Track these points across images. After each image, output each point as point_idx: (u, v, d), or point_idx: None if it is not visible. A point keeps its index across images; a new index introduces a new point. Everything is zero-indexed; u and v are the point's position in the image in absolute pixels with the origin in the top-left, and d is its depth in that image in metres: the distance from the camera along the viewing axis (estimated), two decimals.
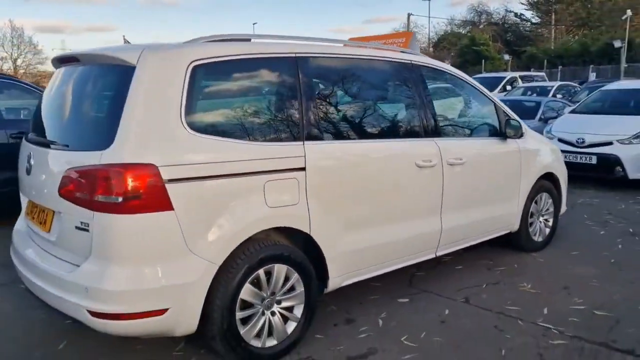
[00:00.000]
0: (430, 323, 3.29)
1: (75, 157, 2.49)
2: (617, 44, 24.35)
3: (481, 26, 50.82)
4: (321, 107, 3.05)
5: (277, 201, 2.73)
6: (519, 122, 4.16)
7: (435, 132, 3.60)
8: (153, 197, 2.34)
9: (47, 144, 2.76)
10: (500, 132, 4.15)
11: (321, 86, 3.14)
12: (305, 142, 2.87)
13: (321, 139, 2.96)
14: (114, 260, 2.35)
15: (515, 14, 49.47)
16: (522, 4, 49.05)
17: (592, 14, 40.72)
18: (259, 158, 2.67)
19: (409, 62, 3.59)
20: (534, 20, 48.73)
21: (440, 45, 50.94)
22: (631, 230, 5.32)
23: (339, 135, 3.12)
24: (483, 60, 37.27)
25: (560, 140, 7.73)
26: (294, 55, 2.96)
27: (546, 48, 40.69)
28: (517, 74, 20.96)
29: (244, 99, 2.85)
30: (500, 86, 18.86)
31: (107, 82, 2.67)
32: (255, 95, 2.90)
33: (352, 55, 3.34)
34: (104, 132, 2.42)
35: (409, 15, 43.17)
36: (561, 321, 3.28)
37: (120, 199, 2.30)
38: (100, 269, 2.36)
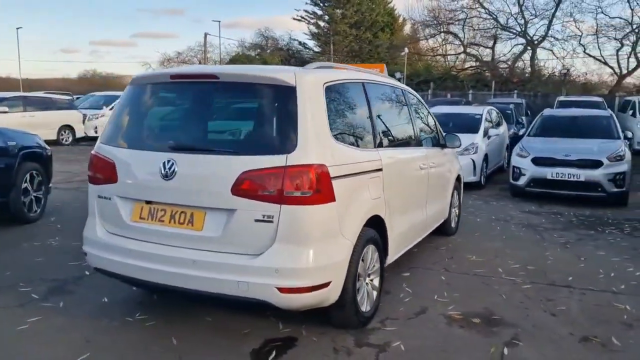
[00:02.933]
0: (441, 285, 4.36)
1: (252, 160, 2.88)
2: (397, 75, 29.26)
3: (269, 51, 54.23)
4: (380, 120, 3.90)
5: (374, 194, 3.50)
6: (457, 136, 5.55)
7: (421, 143, 4.73)
8: (327, 191, 2.93)
9: (205, 151, 3.03)
10: (439, 143, 5.47)
11: (379, 105, 3.98)
12: (378, 149, 3.69)
13: (384, 146, 3.81)
14: (301, 243, 2.86)
15: (299, 42, 54.31)
16: (305, 34, 54.17)
17: (363, 48, 47.45)
18: (366, 160, 3.42)
19: (405, 89, 4.67)
20: (315, 49, 54.19)
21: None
22: (494, 217, 7.21)
23: (389, 143, 4.01)
24: None
25: None
26: (362, 81, 3.76)
27: None
28: None
29: (348, 113, 3.54)
30: None
31: (270, 98, 3.07)
32: (354, 109, 3.61)
33: (387, 83, 4.26)
34: (284, 139, 2.90)
35: (205, 34, 43.97)
36: (515, 274, 4.68)
37: (309, 193, 2.84)
38: (290, 252, 2.84)
